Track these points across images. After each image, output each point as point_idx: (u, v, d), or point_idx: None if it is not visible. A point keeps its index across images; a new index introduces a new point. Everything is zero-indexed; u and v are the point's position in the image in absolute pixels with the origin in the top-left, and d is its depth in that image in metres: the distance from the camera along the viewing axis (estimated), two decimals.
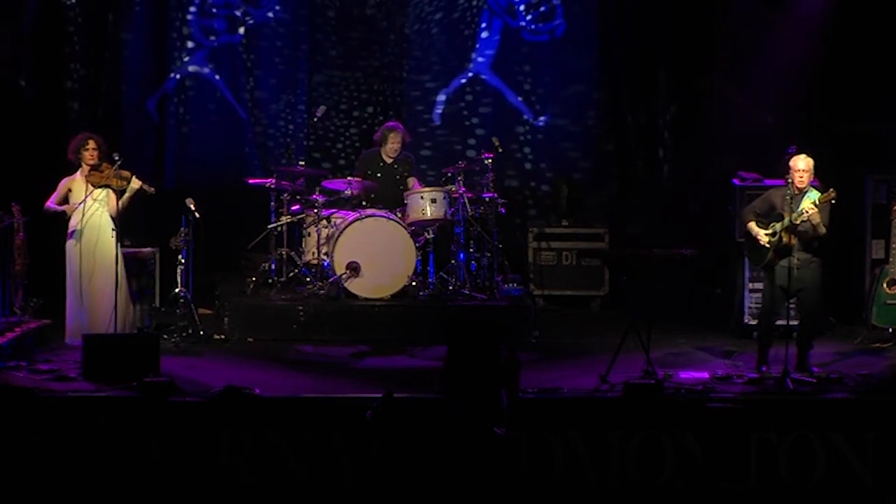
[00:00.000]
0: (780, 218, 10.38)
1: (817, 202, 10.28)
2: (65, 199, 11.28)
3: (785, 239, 10.35)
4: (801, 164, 10.45)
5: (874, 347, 11.66)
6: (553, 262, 13.73)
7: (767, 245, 10.43)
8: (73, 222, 11.20)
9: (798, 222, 10.26)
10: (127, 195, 11.14)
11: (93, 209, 11.17)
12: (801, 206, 10.28)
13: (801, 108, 13.05)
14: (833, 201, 10.33)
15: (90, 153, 11.13)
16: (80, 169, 11.25)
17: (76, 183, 11.25)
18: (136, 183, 11.15)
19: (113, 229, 11.08)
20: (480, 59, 14.50)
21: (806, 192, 10.42)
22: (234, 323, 11.99)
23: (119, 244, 11.08)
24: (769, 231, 10.45)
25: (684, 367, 10.68)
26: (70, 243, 11.22)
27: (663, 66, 14.09)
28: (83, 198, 11.11)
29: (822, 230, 10.34)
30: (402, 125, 13.08)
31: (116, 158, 11.05)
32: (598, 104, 14.48)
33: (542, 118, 14.52)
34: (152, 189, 11.34)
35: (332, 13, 14.37)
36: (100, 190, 11.16)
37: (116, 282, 10.86)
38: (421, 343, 11.58)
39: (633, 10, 14.21)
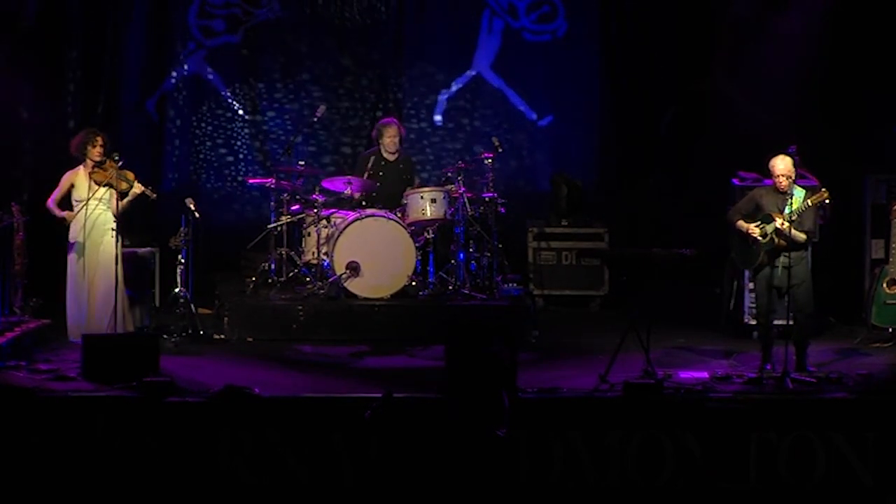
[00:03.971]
0: (768, 219, 10.29)
1: (810, 202, 10.23)
2: (67, 195, 11.20)
3: (776, 241, 10.30)
4: (780, 166, 10.27)
5: (874, 347, 11.65)
6: (553, 261, 13.71)
7: (761, 239, 10.35)
8: (76, 221, 11.16)
9: (784, 228, 10.20)
10: (128, 199, 11.12)
11: (96, 208, 11.12)
12: (793, 207, 10.22)
13: (801, 108, 13.04)
14: (827, 201, 10.26)
15: (97, 150, 11.08)
16: (83, 164, 11.20)
17: (79, 178, 11.16)
18: (137, 188, 11.10)
19: (113, 229, 11.06)
20: (481, 60, 14.50)
21: (793, 192, 10.32)
22: (233, 323, 11.98)
23: (119, 244, 11.07)
24: (758, 228, 10.37)
25: (684, 367, 10.67)
26: (72, 241, 11.17)
27: (663, 67, 14.09)
28: (86, 196, 11.06)
29: (801, 238, 10.23)
30: (398, 120, 13.10)
31: (117, 159, 11.03)
32: (598, 104, 14.47)
33: (542, 118, 14.51)
34: (154, 194, 11.30)
35: (332, 13, 14.35)
36: (103, 189, 11.11)
37: (116, 282, 10.86)
38: (421, 343, 11.57)
39: (634, 10, 14.22)
